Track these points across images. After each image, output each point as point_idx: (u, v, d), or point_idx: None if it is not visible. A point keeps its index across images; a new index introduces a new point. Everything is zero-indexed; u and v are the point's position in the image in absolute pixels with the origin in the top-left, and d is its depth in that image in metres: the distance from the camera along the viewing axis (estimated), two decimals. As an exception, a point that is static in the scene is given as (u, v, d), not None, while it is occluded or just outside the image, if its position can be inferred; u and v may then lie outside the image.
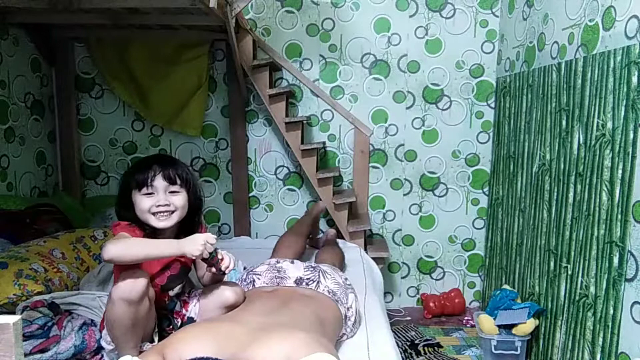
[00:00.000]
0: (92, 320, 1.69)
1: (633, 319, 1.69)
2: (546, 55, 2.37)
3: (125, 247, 1.40)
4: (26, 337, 1.57)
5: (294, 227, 2.69)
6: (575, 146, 2.08)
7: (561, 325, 2.17)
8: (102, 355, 1.60)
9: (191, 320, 1.64)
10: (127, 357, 1.17)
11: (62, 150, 3.05)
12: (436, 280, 3.30)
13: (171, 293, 1.64)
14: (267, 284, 1.69)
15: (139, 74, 2.98)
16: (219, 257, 1.52)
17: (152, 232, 1.59)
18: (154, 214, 1.54)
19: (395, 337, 2.01)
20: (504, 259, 2.89)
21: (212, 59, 3.07)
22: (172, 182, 1.57)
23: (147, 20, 2.51)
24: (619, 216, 1.76)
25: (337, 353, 1.36)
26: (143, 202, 1.54)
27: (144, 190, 1.54)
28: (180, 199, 1.58)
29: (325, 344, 1.30)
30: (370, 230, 3.21)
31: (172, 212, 1.57)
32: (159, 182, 1.55)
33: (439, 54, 3.08)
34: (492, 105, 3.12)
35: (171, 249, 1.46)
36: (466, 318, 3.10)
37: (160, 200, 1.54)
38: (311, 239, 2.75)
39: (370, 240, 3.12)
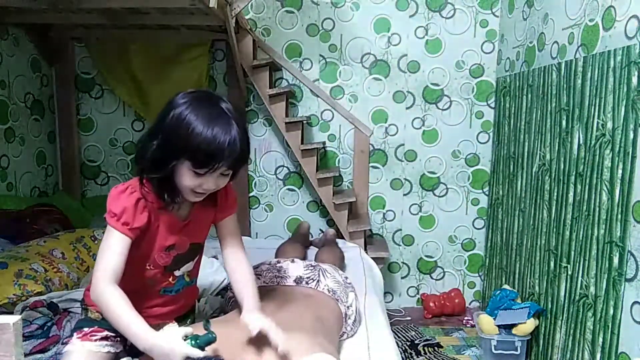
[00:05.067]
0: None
1: (633, 319, 1.69)
2: (546, 55, 2.37)
3: (107, 311, 1.20)
4: (26, 337, 1.57)
5: (290, 239, 2.74)
6: (575, 146, 2.08)
7: (561, 325, 2.17)
8: None
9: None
10: (127, 359, 1.17)
11: (62, 150, 3.05)
12: (436, 280, 3.30)
13: (177, 273, 1.40)
14: (266, 283, 1.69)
15: (139, 74, 2.98)
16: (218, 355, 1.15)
17: (172, 201, 1.30)
18: (193, 190, 1.28)
19: (395, 337, 2.01)
20: (504, 259, 2.89)
21: (212, 59, 3.07)
22: (232, 168, 1.28)
23: (147, 20, 2.51)
24: (619, 216, 1.76)
25: (337, 353, 1.36)
26: (190, 179, 1.24)
27: (200, 170, 1.23)
28: (225, 181, 1.32)
29: (324, 344, 1.30)
30: (370, 230, 3.21)
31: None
32: (221, 168, 1.25)
33: (439, 54, 3.08)
34: (492, 105, 3.12)
35: (138, 344, 1.15)
36: (466, 318, 3.10)
37: (209, 184, 1.27)
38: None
39: (370, 240, 3.12)
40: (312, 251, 2.60)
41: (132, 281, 1.26)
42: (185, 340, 1.10)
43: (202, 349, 1.08)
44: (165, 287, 1.38)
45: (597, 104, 1.92)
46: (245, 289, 1.38)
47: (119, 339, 1.36)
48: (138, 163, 1.28)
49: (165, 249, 1.33)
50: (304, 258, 2.40)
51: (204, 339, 1.09)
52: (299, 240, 2.71)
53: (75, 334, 1.36)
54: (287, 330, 1.30)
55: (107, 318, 1.21)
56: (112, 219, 1.23)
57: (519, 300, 2.52)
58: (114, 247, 1.23)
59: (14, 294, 1.73)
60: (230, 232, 1.48)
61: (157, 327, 1.33)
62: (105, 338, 1.34)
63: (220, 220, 1.46)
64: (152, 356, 1.11)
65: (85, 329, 1.34)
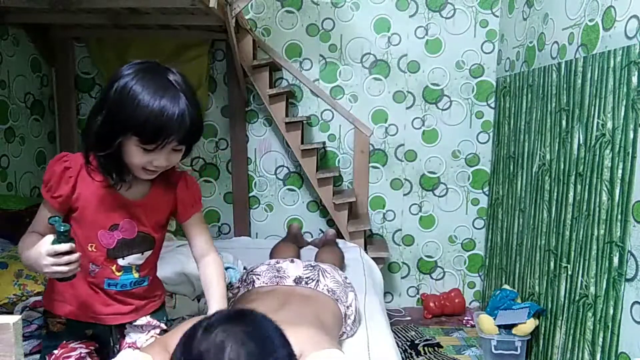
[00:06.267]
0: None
1: (633, 319, 1.69)
2: (546, 55, 2.37)
3: (21, 253, 1.21)
4: (25, 337, 1.57)
5: (283, 239, 2.74)
6: (575, 146, 2.08)
7: (561, 325, 2.17)
8: None
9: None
10: (128, 350, 1.17)
11: (62, 150, 3.04)
12: (436, 280, 3.30)
13: (121, 262, 1.31)
14: (266, 283, 1.69)
15: (139, 74, 2.97)
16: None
17: (120, 179, 1.24)
18: (144, 168, 1.22)
19: (395, 337, 2.01)
20: (504, 259, 2.89)
21: (212, 59, 3.07)
22: (183, 142, 1.20)
23: (147, 20, 2.51)
24: (619, 216, 1.76)
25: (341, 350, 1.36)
26: (138, 156, 1.18)
27: (149, 146, 1.16)
28: (178, 157, 1.24)
29: (331, 341, 1.30)
30: (370, 230, 3.21)
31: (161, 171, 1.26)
32: (171, 143, 1.18)
33: (439, 54, 3.08)
34: (492, 105, 3.12)
35: (27, 263, 1.16)
36: (466, 318, 3.10)
37: (160, 161, 1.20)
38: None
39: (370, 240, 3.12)
40: (312, 251, 2.60)
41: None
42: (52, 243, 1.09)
43: (67, 240, 1.10)
44: (110, 279, 1.30)
45: (597, 104, 1.92)
46: (212, 290, 1.35)
47: (95, 354, 1.33)
48: (83, 140, 1.23)
49: (109, 227, 1.27)
50: (297, 257, 2.40)
51: (60, 232, 1.10)
52: (292, 240, 2.71)
53: (47, 357, 1.30)
54: (293, 326, 1.30)
55: (22, 260, 1.21)
56: (42, 187, 1.24)
57: (519, 300, 2.52)
58: (39, 215, 1.25)
59: (14, 294, 1.74)
60: (198, 232, 1.39)
61: (117, 328, 1.36)
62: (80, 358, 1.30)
63: (185, 219, 1.38)
64: (35, 268, 1.13)
65: (55, 352, 1.29)
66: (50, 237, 1.10)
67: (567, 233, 2.13)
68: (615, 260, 1.78)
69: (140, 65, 1.18)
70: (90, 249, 1.26)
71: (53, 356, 1.29)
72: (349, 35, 3.06)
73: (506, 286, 2.67)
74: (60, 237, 1.09)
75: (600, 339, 1.86)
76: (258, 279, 1.71)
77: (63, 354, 1.28)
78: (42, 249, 1.09)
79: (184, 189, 1.36)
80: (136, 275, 1.34)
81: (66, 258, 1.09)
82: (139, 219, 1.30)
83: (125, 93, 1.13)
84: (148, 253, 1.35)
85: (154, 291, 1.43)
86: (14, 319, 0.77)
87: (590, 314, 1.94)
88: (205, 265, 1.38)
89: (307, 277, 1.70)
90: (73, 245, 1.10)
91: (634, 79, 1.69)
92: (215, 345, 0.86)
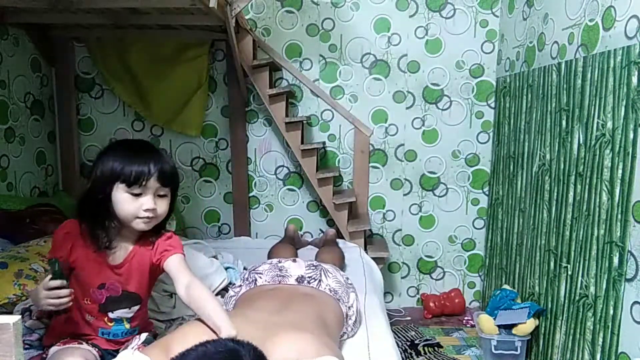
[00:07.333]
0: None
1: (633, 319, 1.69)
2: (546, 55, 2.37)
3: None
4: (26, 345, 1.57)
5: (281, 240, 2.75)
6: (575, 146, 2.08)
7: (561, 325, 2.17)
8: None
9: None
10: (127, 351, 1.17)
11: (62, 150, 3.05)
12: (436, 280, 3.30)
13: (112, 315, 1.46)
14: (268, 282, 1.69)
15: (139, 74, 2.98)
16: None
17: (107, 242, 1.41)
18: (136, 217, 1.37)
19: (395, 337, 2.01)
20: (504, 259, 2.89)
21: (212, 59, 3.07)
22: (164, 184, 1.38)
23: (147, 20, 2.51)
24: (619, 216, 1.76)
25: (341, 353, 1.36)
26: (129, 204, 1.35)
27: (134, 189, 1.34)
28: (165, 205, 1.41)
29: (331, 345, 1.30)
30: (370, 230, 3.21)
31: (153, 218, 1.39)
32: (152, 182, 1.35)
33: (439, 54, 3.08)
34: (492, 105, 3.12)
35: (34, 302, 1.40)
36: (466, 318, 3.10)
37: (148, 204, 1.35)
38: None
39: (370, 240, 3.12)
40: (312, 251, 2.61)
41: (76, 310, 1.43)
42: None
43: (60, 278, 1.29)
44: (103, 329, 1.47)
45: (597, 104, 1.92)
46: (208, 305, 1.31)
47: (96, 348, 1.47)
48: (79, 209, 1.43)
49: (98, 286, 1.44)
50: (295, 254, 2.42)
51: (55, 271, 1.29)
52: (289, 241, 2.72)
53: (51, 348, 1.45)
54: (295, 329, 1.30)
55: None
56: (50, 250, 1.48)
57: (519, 300, 2.52)
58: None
59: (14, 294, 1.74)
60: (178, 268, 1.43)
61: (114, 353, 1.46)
62: (80, 343, 1.45)
63: (164, 261, 1.44)
64: (37, 304, 1.34)
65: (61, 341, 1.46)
66: (49, 277, 1.29)
67: (567, 233, 2.13)
68: (615, 260, 1.78)
69: (113, 142, 1.48)
70: (85, 302, 1.45)
71: (59, 343, 1.44)
72: (349, 35, 3.06)
73: (506, 286, 2.67)
74: (54, 275, 1.28)
75: (600, 339, 1.86)
76: (260, 277, 1.72)
77: (65, 340, 1.44)
78: (41, 285, 1.30)
79: (163, 240, 1.48)
80: (127, 326, 1.49)
81: (56, 292, 1.27)
82: (122, 280, 1.46)
83: (105, 162, 1.37)
84: (135, 308, 1.49)
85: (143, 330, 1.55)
86: (14, 319, 0.77)
87: (590, 314, 1.94)
88: (191, 288, 1.36)
89: (309, 277, 1.70)
90: (65, 282, 1.29)
91: (634, 79, 1.69)
92: None
